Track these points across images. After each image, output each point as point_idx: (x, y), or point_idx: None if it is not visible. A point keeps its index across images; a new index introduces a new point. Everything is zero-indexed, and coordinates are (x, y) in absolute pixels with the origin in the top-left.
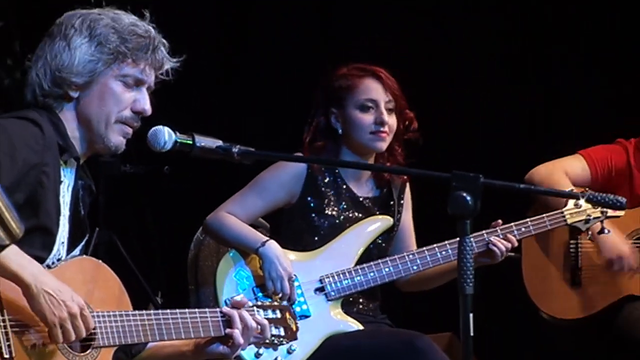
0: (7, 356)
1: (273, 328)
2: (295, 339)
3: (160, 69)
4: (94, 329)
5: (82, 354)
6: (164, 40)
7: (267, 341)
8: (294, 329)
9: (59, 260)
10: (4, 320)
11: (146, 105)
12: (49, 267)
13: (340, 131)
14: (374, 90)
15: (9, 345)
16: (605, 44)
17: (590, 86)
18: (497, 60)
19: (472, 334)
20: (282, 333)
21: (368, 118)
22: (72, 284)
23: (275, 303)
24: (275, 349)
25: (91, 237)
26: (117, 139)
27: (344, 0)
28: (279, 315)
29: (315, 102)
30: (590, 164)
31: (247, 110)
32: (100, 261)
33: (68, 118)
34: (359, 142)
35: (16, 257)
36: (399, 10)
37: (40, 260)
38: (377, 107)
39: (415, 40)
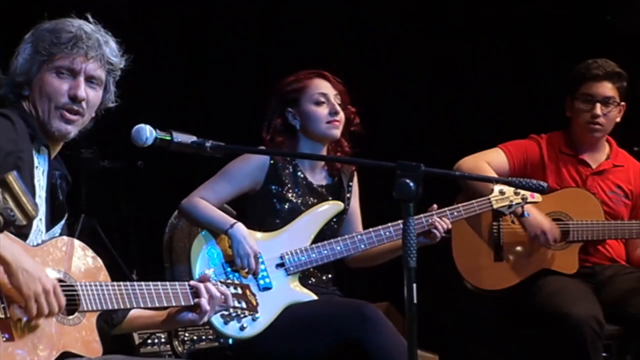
0: (2, 316)
1: (235, 301)
2: (256, 312)
3: (100, 60)
4: (77, 296)
5: (69, 317)
6: (104, 35)
7: (231, 311)
8: (254, 303)
9: (41, 240)
10: None
11: (78, 91)
12: (35, 245)
13: (298, 126)
14: (324, 86)
15: (4, 308)
16: (518, 55)
17: (506, 88)
18: (428, 67)
19: (415, 301)
20: (244, 306)
21: (322, 110)
22: (55, 260)
23: (237, 282)
24: (241, 316)
25: (75, 222)
26: (59, 124)
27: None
28: (239, 291)
29: (270, 107)
30: (508, 156)
31: (213, 109)
32: (79, 241)
33: (28, 113)
34: (317, 132)
35: (4, 240)
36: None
37: (23, 236)
38: (328, 101)
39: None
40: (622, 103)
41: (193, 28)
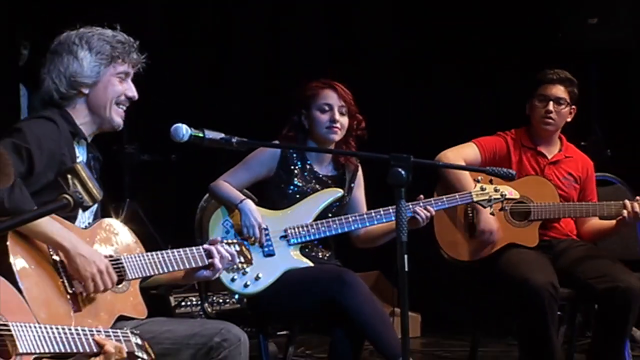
0: (70, 291)
1: (237, 257)
2: (252, 263)
3: (137, 65)
4: (122, 268)
5: (118, 286)
6: (136, 43)
7: (235, 266)
8: (249, 257)
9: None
10: (63, 265)
11: (134, 92)
12: (84, 228)
13: (307, 126)
14: (330, 97)
15: (70, 284)
16: (488, 65)
17: (477, 93)
18: (413, 77)
19: (406, 270)
20: (243, 260)
21: (324, 117)
22: (102, 239)
23: (235, 240)
24: (245, 274)
25: (121, 206)
26: (117, 119)
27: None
28: (238, 248)
29: (292, 106)
30: (480, 149)
31: (234, 109)
32: (118, 221)
33: (79, 109)
34: (318, 134)
35: (58, 230)
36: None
37: (72, 218)
38: (331, 110)
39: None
40: (573, 106)
41: (212, 40)
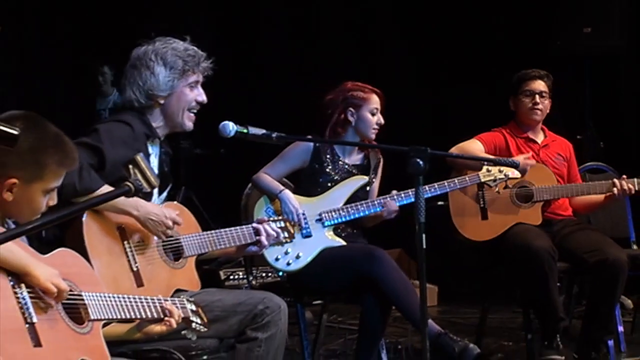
0: (134, 269)
1: (282, 234)
2: (294, 237)
3: (205, 72)
4: (181, 246)
5: (176, 262)
6: (204, 53)
7: (281, 241)
8: (292, 232)
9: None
10: (128, 244)
11: (204, 97)
12: None
13: (353, 123)
14: (378, 103)
15: (135, 261)
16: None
17: (481, 94)
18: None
19: (424, 247)
20: (287, 235)
21: (373, 119)
22: None
23: (281, 217)
24: (287, 254)
25: (177, 193)
26: (188, 123)
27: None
28: (283, 224)
29: (333, 104)
30: (484, 144)
31: (271, 107)
32: (180, 204)
33: (155, 115)
34: (363, 132)
35: (127, 201)
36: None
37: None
38: (378, 113)
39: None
40: (550, 99)
41: (252, 46)
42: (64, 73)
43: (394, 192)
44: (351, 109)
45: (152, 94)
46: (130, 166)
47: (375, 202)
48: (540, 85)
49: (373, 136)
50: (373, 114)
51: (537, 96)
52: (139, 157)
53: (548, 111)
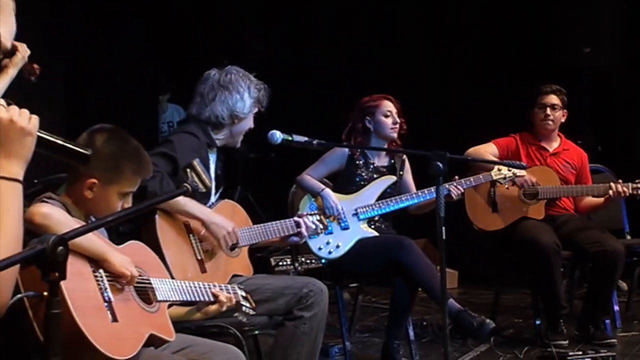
0: (199, 257)
1: (318, 226)
2: (328, 228)
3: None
4: (237, 239)
5: (232, 252)
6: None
7: (318, 232)
8: (326, 224)
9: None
10: (193, 237)
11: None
12: (210, 206)
13: (372, 129)
14: (390, 106)
15: (199, 252)
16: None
17: (495, 103)
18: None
19: (444, 237)
20: (322, 226)
21: (388, 120)
22: (224, 215)
23: (315, 212)
24: (328, 244)
25: (234, 192)
26: (239, 143)
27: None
28: (318, 217)
29: (353, 116)
30: (498, 147)
31: (312, 115)
32: (234, 202)
33: (223, 131)
34: (384, 134)
35: (195, 205)
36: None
37: (207, 198)
38: (392, 115)
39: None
40: (565, 110)
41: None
42: (135, 86)
43: (456, 177)
44: (367, 117)
45: (235, 115)
46: (188, 170)
47: (403, 198)
48: (552, 99)
49: (394, 134)
50: (387, 116)
51: (548, 109)
52: (195, 162)
53: (562, 121)
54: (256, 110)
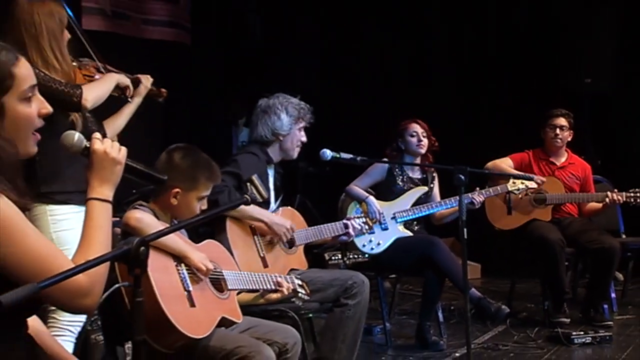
0: (261, 255)
1: (363, 227)
2: (372, 229)
3: (309, 121)
4: (294, 237)
5: (290, 249)
6: (310, 107)
7: (363, 232)
8: (371, 225)
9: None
10: (257, 237)
11: (305, 138)
12: (272, 212)
13: (403, 147)
14: (416, 127)
15: (262, 249)
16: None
17: (510, 123)
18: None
19: (465, 237)
20: (367, 227)
21: (414, 140)
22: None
23: (362, 214)
24: (371, 242)
25: (294, 198)
26: (295, 154)
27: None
28: (364, 220)
29: (392, 137)
30: (513, 161)
31: (358, 136)
32: (292, 209)
33: (275, 147)
34: (412, 150)
35: (259, 210)
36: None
37: (266, 206)
38: (417, 135)
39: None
40: (571, 130)
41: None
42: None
43: (478, 188)
44: (400, 138)
45: (276, 132)
46: (248, 184)
47: (432, 205)
48: (561, 121)
49: (422, 150)
50: (412, 136)
51: (558, 129)
52: (254, 177)
53: (569, 140)
54: (300, 125)
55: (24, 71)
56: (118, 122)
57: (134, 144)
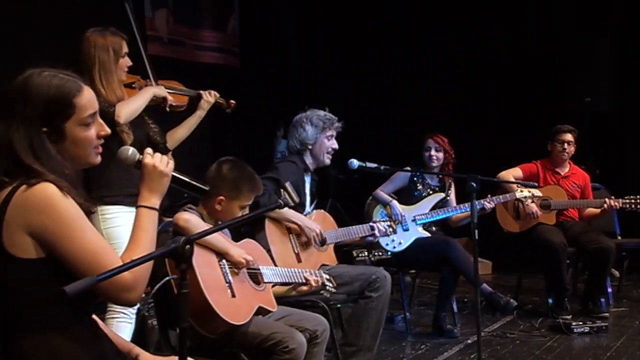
0: (296, 251)
1: (388, 229)
2: (396, 231)
3: (337, 129)
4: (325, 238)
5: (322, 247)
6: (336, 117)
7: (387, 234)
8: (394, 228)
9: (308, 211)
10: (292, 236)
11: (336, 145)
12: (306, 214)
13: (424, 159)
14: (430, 142)
15: (296, 247)
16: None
17: (517, 138)
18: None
19: (477, 238)
20: (391, 230)
21: (426, 154)
22: (317, 220)
23: (386, 219)
24: (393, 241)
25: (327, 202)
26: (327, 160)
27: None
28: (389, 223)
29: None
30: (522, 171)
31: (385, 146)
32: (324, 211)
33: (308, 156)
34: (425, 162)
35: (294, 213)
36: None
37: (302, 208)
38: (431, 150)
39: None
40: (575, 145)
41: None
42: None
43: (489, 195)
44: (423, 150)
45: (304, 143)
46: (282, 190)
47: (449, 209)
48: (568, 136)
49: (432, 163)
50: (426, 151)
51: (565, 144)
52: (287, 184)
53: (573, 153)
54: (328, 134)
55: (85, 101)
56: (179, 132)
57: (185, 153)
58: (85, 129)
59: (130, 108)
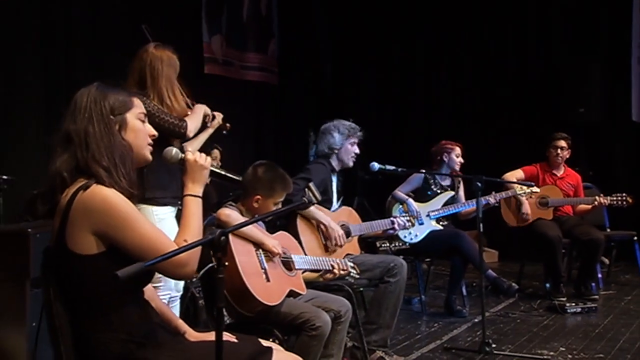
0: (324, 242)
1: (406, 224)
2: (413, 225)
3: (360, 137)
4: (350, 230)
5: (347, 238)
6: (359, 127)
7: (407, 227)
8: (413, 222)
9: (335, 208)
10: (320, 230)
11: (358, 150)
12: (333, 211)
13: (446, 161)
14: (458, 151)
15: (323, 237)
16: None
17: (518, 144)
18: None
19: (482, 230)
20: (410, 224)
21: (457, 159)
22: (342, 216)
23: (407, 214)
24: (410, 234)
25: (354, 199)
26: (351, 163)
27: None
28: (407, 217)
29: (435, 151)
30: (524, 173)
31: (403, 150)
32: (351, 208)
33: (335, 159)
34: (452, 165)
35: (320, 213)
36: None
37: (329, 204)
38: (460, 157)
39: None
40: (569, 150)
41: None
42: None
43: (493, 192)
44: (445, 153)
45: (331, 147)
46: (306, 189)
47: (458, 205)
48: (562, 143)
49: (457, 167)
50: (457, 157)
51: (559, 149)
52: (311, 184)
53: (567, 157)
54: (352, 141)
55: (138, 103)
56: (193, 145)
57: (235, 156)
58: (141, 123)
59: (195, 124)
